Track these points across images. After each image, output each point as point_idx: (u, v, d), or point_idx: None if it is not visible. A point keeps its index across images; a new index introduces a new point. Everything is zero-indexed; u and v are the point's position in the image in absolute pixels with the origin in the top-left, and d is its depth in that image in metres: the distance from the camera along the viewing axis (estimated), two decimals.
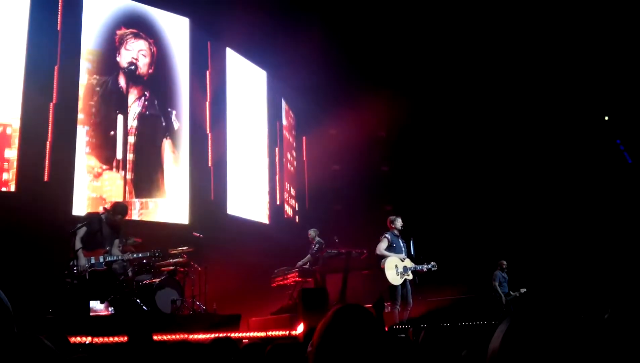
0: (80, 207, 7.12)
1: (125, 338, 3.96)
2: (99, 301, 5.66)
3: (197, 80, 9.67)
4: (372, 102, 10.68)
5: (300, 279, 7.90)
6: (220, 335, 3.81)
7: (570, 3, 9.36)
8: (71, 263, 5.73)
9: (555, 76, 10.27)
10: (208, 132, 9.76)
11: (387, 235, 7.11)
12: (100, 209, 6.62)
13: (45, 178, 7.26)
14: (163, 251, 6.39)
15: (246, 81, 11.13)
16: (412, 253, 7.31)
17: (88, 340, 4.20)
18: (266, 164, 11.31)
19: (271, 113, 11.73)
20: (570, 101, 10.37)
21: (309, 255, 8.23)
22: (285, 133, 12.32)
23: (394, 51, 10.53)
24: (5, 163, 6.53)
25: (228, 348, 2.29)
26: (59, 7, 7.82)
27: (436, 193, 11.02)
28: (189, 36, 9.66)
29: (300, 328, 4.94)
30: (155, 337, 3.99)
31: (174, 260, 6.95)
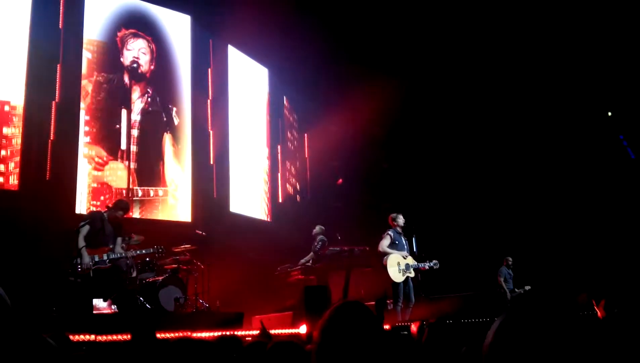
0: (85, 200, 7.21)
1: (129, 336, 3.97)
2: (102, 299, 5.68)
3: (198, 77, 9.66)
4: (374, 99, 10.66)
5: (302, 277, 7.91)
6: (226, 332, 3.82)
7: None
8: (75, 261, 5.75)
9: (558, 71, 10.23)
10: (210, 129, 9.76)
11: (389, 232, 7.10)
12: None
13: (47, 177, 7.27)
14: (166, 250, 6.41)
15: (248, 78, 11.12)
16: (415, 250, 7.30)
17: (91, 337, 4.21)
18: (268, 162, 11.30)
19: (273, 110, 11.72)
20: (573, 97, 10.32)
21: (311, 253, 8.23)
22: (287, 130, 12.32)
23: (396, 48, 10.50)
24: (4, 140, 6.66)
25: (232, 346, 2.29)
26: (61, 5, 7.82)
27: (438, 189, 11.00)
28: (190, 34, 9.65)
29: (303, 329, 4.94)
30: (158, 335, 4.00)
31: (177, 258, 6.97)
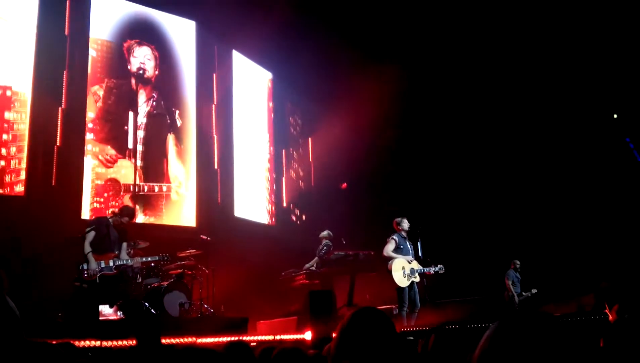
0: (89, 195, 7.52)
1: (134, 342, 3.98)
2: (108, 306, 5.70)
3: (203, 82, 9.72)
4: (379, 103, 10.66)
5: (307, 281, 7.89)
6: (233, 338, 3.81)
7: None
8: (81, 266, 5.77)
9: (564, 73, 10.19)
10: (214, 134, 9.80)
11: (394, 237, 7.07)
12: (109, 212, 6.67)
13: (53, 182, 7.33)
14: (171, 255, 6.43)
15: (252, 83, 11.16)
16: (420, 255, 7.27)
17: (97, 343, 4.22)
18: (272, 166, 11.32)
19: (277, 115, 11.75)
20: (580, 99, 10.28)
21: (316, 257, 8.22)
22: (291, 134, 12.34)
23: (400, 51, 10.50)
24: (5, 124, 6.92)
25: (243, 354, 2.28)
26: (67, 12, 7.90)
27: (444, 193, 10.97)
28: (195, 39, 9.72)
29: (308, 335, 4.92)
30: (163, 341, 4.00)
31: (182, 263, 6.98)
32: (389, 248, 6.99)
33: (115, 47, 8.23)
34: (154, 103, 7.65)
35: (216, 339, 4.60)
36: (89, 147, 7.46)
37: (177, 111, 8.10)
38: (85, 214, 7.62)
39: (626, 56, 9.70)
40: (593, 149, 10.28)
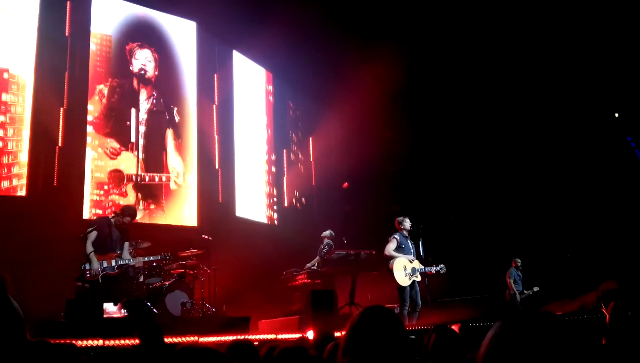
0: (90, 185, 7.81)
1: (137, 341, 3.99)
2: (112, 303, 5.71)
3: (204, 83, 9.75)
4: (379, 102, 10.66)
5: (309, 281, 7.90)
6: (236, 337, 3.82)
7: None
8: (83, 266, 5.79)
9: (565, 73, 10.18)
10: (215, 134, 9.82)
11: (395, 236, 7.07)
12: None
13: (55, 183, 7.35)
14: (173, 255, 6.45)
15: (253, 83, 11.18)
16: (421, 254, 7.26)
17: (99, 343, 4.24)
18: (273, 166, 11.33)
19: (278, 114, 11.75)
20: (581, 98, 10.27)
21: (317, 257, 8.22)
22: (292, 134, 12.34)
23: (401, 50, 10.49)
24: (2, 106, 7.13)
25: (247, 353, 2.29)
26: (67, 14, 7.92)
27: (445, 192, 10.97)
28: (195, 39, 9.76)
29: (310, 334, 4.93)
30: (166, 340, 4.01)
31: (184, 263, 6.99)
32: (391, 247, 6.99)
33: (117, 48, 8.47)
34: (154, 101, 8.24)
35: (218, 338, 4.61)
36: (89, 140, 7.84)
37: (176, 108, 8.64)
38: (86, 211, 7.70)
39: (627, 55, 9.68)
40: (595, 148, 10.27)
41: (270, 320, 7.17)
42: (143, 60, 8.43)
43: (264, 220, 10.76)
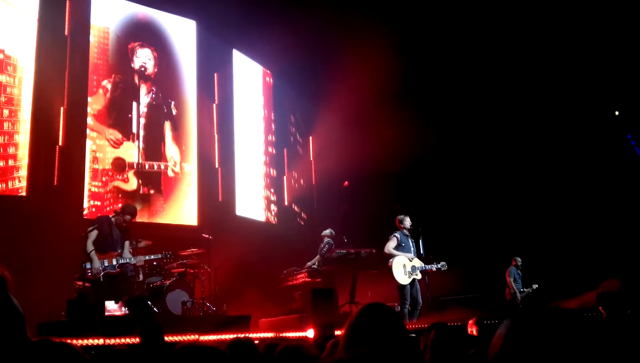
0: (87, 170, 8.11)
1: (138, 340, 3.99)
2: (113, 301, 5.71)
3: (204, 82, 9.77)
4: (380, 101, 10.65)
5: (309, 279, 7.91)
6: (236, 335, 3.82)
7: None
8: (84, 265, 5.79)
9: (565, 71, 10.18)
10: (215, 133, 9.82)
11: (396, 234, 7.08)
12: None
13: (55, 182, 7.36)
14: (173, 254, 6.45)
15: (252, 82, 11.18)
16: (422, 252, 7.26)
17: (100, 342, 4.24)
18: (274, 165, 11.34)
19: (278, 113, 11.75)
20: (581, 97, 10.26)
21: (318, 256, 8.23)
22: (292, 133, 12.34)
23: (401, 49, 10.48)
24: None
25: (248, 350, 2.29)
26: (67, 13, 7.93)
27: (446, 191, 10.97)
28: (195, 39, 9.80)
29: (310, 333, 4.94)
30: (166, 338, 4.01)
31: (184, 262, 7.00)
32: (391, 245, 7.00)
33: (119, 46, 8.83)
34: (154, 95, 8.97)
35: (219, 337, 4.62)
36: (92, 134, 8.21)
37: (173, 102, 9.26)
38: (87, 213, 7.70)
39: (627, 53, 9.68)
40: (595, 146, 10.27)
41: (270, 318, 7.19)
42: (143, 58, 9.02)
43: (265, 219, 10.77)
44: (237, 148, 10.22)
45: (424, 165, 11.40)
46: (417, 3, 9.98)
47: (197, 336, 4.64)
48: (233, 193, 9.91)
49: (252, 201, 10.49)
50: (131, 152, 8.45)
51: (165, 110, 9.14)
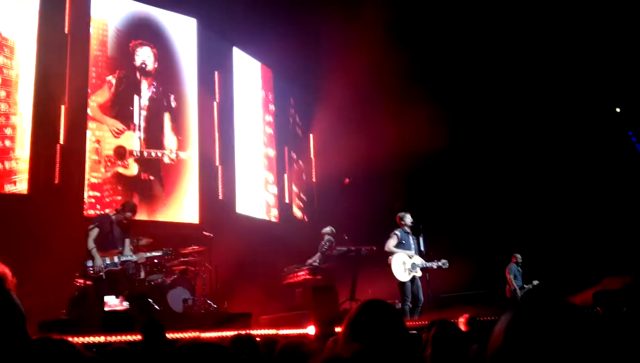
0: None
1: (140, 337, 4.00)
2: (114, 296, 5.72)
3: (204, 80, 9.77)
4: (381, 99, 10.64)
5: (310, 277, 7.91)
6: (240, 332, 3.83)
7: None
8: (86, 263, 5.79)
9: (566, 68, 10.16)
10: (216, 131, 9.83)
11: (396, 232, 7.08)
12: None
13: (56, 181, 7.37)
14: (174, 251, 6.46)
15: (253, 80, 11.18)
16: (423, 249, 7.26)
17: (102, 339, 4.25)
18: (274, 163, 11.33)
19: (278, 111, 11.75)
20: (582, 94, 10.24)
21: (318, 253, 8.23)
22: (293, 131, 12.33)
23: (401, 46, 10.46)
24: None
25: (249, 346, 2.29)
26: (67, 11, 7.92)
27: (446, 188, 10.96)
28: (196, 36, 9.82)
29: (311, 329, 4.95)
30: (168, 335, 4.02)
31: (185, 259, 7.00)
32: (391, 243, 7.00)
33: (121, 44, 9.07)
34: (154, 90, 9.49)
35: (220, 334, 4.63)
36: (90, 123, 8.45)
37: (172, 96, 9.64)
38: (85, 196, 7.83)
39: (628, 50, 9.65)
40: (596, 143, 10.25)
41: (271, 316, 7.20)
42: (144, 56, 9.43)
43: (265, 217, 10.77)
44: (237, 146, 10.23)
45: (425, 162, 11.38)
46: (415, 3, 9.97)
47: (198, 333, 4.65)
48: (233, 191, 9.93)
49: (253, 199, 10.50)
50: (132, 141, 8.86)
51: (165, 103, 9.56)
